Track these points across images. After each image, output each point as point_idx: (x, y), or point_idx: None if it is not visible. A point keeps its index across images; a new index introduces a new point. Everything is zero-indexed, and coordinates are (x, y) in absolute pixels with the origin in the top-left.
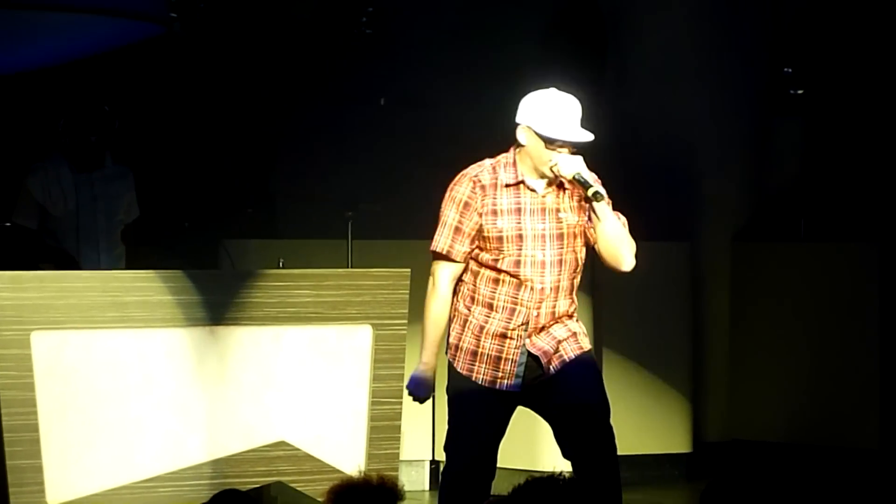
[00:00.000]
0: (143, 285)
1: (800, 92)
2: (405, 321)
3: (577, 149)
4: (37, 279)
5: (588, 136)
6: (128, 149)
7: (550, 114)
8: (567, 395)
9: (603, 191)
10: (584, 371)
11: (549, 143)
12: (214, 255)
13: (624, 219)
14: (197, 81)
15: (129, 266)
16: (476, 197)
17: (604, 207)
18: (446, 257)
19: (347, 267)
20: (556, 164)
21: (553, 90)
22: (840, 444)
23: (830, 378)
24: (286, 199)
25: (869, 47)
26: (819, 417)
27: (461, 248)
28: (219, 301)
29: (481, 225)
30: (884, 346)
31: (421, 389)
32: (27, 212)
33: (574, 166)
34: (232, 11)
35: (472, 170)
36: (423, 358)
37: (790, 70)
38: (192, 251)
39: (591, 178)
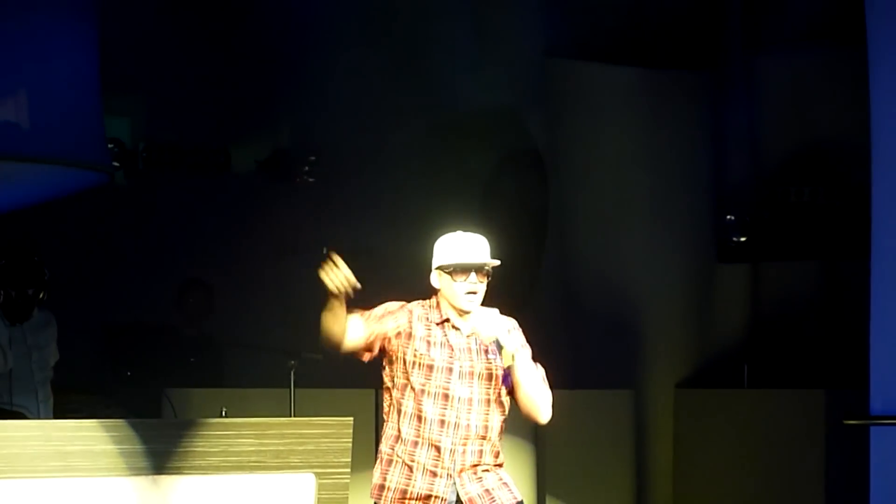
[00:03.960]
0: (86, 434)
1: (742, 239)
2: (348, 470)
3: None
4: None
5: (481, 259)
6: (66, 298)
7: (448, 248)
8: None
9: (515, 345)
10: None
11: (457, 272)
12: (157, 404)
13: (542, 370)
14: (139, 230)
15: (72, 415)
16: (404, 315)
17: (520, 366)
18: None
19: (290, 416)
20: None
21: (457, 231)
22: None
23: None
24: (229, 348)
25: (808, 194)
26: None
27: (372, 321)
28: (162, 450)
29: (407, 352)
30: (829, 492)
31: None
32: None
33: (490, 329)
34: (173, 159)
35: (405, 302)
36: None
37: (733, 218)
38: (135, 400)
39: (505, 331)
